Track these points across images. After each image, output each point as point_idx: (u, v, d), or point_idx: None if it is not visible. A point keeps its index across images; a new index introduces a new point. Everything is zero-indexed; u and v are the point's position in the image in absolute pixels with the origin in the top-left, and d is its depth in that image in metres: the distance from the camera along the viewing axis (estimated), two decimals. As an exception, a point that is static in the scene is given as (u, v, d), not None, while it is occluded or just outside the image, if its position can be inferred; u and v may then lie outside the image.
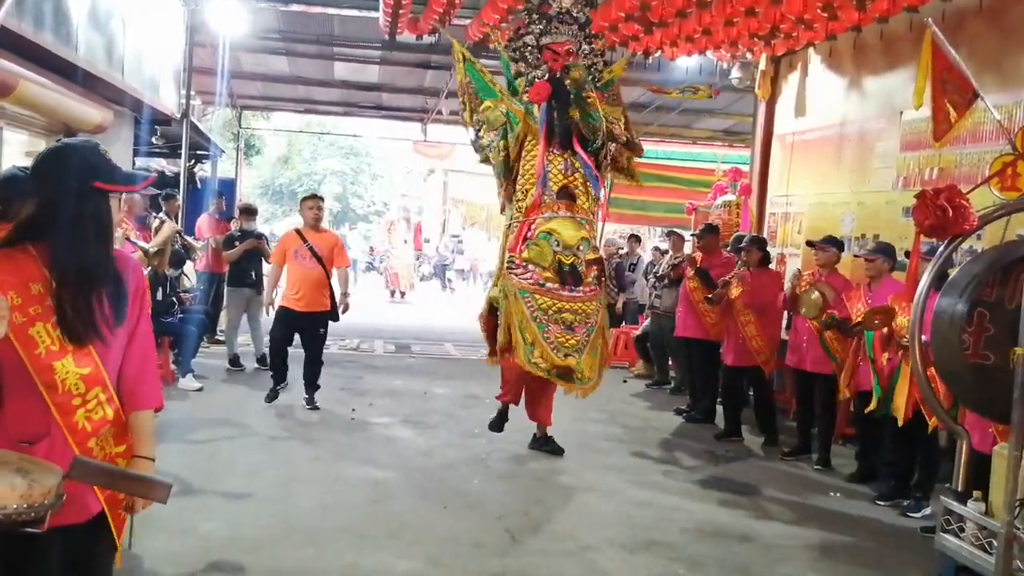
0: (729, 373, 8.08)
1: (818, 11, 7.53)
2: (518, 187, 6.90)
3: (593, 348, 6.48)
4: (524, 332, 6.43)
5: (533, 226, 6.61)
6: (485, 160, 7.16)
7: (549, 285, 6.44)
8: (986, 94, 4.49)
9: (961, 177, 6.89)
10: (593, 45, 7.12)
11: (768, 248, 8.35)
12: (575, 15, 6.91)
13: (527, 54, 6.95)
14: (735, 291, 7.76)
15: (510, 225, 6.93)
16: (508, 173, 6.97)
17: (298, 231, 8.13)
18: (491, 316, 6.92)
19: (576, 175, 6.73)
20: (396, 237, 21.62)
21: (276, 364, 8.11)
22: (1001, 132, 4.51)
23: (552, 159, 6.72)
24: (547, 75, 6.83)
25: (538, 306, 6.43)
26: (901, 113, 7.97)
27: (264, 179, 41.15)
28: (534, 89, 6.78)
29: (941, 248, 4.33)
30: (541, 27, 6.90)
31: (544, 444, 7.09)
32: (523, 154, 6.89)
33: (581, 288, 6.48)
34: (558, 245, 6.44)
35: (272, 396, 8.01)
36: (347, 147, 41.54)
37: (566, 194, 6.68)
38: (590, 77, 6.77)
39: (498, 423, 7.17)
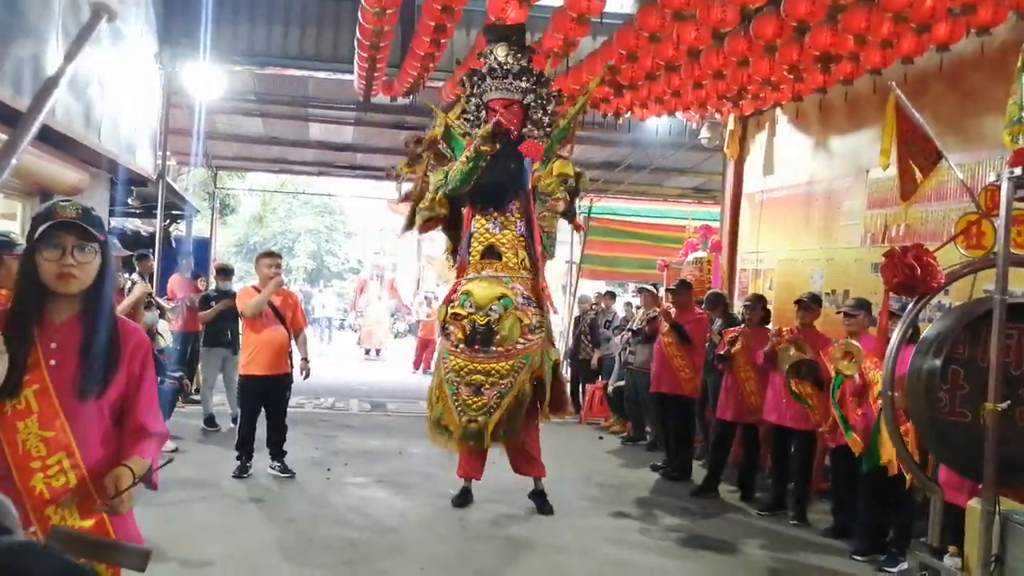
0: (724, 428, 8.06)
1: (784, 73, 7.74)
2: (459, 249, 7.01)
3: (506, 410, 6.46)
4: (440, 393, 6.63)
5: (458, 288, 6.78)
6: (409, 224, 7.26)
7: (462, 347, 6.56)
8: (948, 154, 4.61)
9: (927, 234, 7.05)
10: (545, 90, 7.06)
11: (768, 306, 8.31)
12: (507, 67, 6.86)
13: (470, 116, 7.04)
14: (736, 347, 7.79)
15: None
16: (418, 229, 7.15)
17: (256, 289, 7.72)
18: None
19: (505, 233, 6.75)
20: (370, 294, 21.58)
21: (245, 443, 7.66)
22: (964, 191, 4.62)
23: (480, 219, 6.81)
24: None
25: (451, 367, 6.60)
26: (867, 171, 8.16)
27: (239, 238, 41.03)
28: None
29: (911, 306, 4.40)
30: (482, 85, 6.95)
31: (536, 497, 7.04)
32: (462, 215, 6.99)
33: (495, 348, 6.50)
34: (471, 306, 6.50)
35: (243, 471, 7.57)
36: (321, 205, 41.58)
37: (492, 253, 6.73)
38: (543, 132, 6.91)
39: (461, 500, 7.05)
